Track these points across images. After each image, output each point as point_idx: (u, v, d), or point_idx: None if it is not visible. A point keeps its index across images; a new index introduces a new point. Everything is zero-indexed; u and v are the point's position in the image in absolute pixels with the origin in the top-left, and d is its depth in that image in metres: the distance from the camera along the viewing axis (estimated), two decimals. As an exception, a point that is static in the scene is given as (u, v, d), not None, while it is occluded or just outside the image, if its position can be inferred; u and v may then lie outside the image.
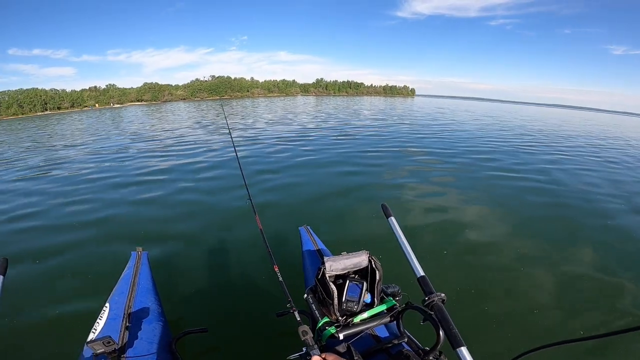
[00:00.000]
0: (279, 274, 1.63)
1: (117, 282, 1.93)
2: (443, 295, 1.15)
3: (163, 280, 2.54)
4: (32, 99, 59.91)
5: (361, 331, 1.33)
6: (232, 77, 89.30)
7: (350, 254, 1.37)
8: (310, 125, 14.19)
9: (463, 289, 2.82)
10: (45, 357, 2.15)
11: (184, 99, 77.71)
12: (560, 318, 2.54)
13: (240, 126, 14.17)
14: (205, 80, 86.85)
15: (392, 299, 1.38)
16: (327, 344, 1.35)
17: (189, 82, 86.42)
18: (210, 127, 14.76)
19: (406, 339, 1.31)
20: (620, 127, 24.52)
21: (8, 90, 59.74)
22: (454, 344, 1.00)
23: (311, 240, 2.27)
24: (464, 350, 0.97)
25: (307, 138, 10.57)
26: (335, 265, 1.35)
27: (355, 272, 1.41)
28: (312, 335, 1.11)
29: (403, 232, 1.42)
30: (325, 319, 1.37)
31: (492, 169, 6.96)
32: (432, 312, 1.13)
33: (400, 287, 1.42)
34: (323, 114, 20.63)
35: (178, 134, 12.82)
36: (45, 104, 61.59)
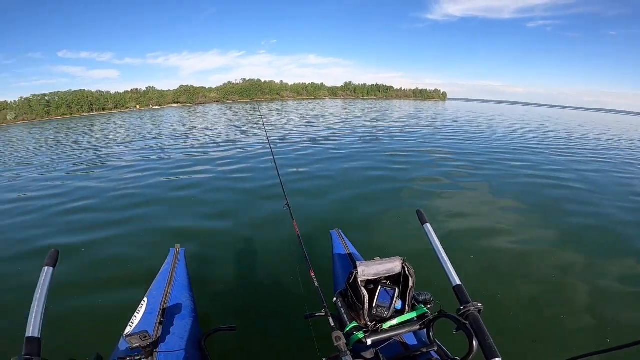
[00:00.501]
0: (314, 278, 1.63)
1: (155, 277, 2.00)
2: (480, 305, 1.12)
3: (197, 276, 2.62)
4: (79, 100, 64.49)
5: (389, 337, 1.31)
6: (262, 80, 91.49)
7: (383, 259, 1.37)
8: (339, 128, 14.21)
9: (491, 296, 2.70)
10: (85, 346, 2.21)
11: (217, 101, 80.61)
12: (597, 332, 2.37)
13: (271, 128, 14.48)
14: (237, 83, 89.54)
15: (423, 306, 1.35)
16: (354, 349, 1.34)
17: (222, 84, 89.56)
18: (242, 128, 15.21)
19: (436, 348, 1.28)
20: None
21: (58, 92, 64.44)
22: (489, 355, 0.97)
23: (342, 244, 2.25)
24: None
25: (336, 141, 10.58)
26: (367, 270, 1.34)
27: (386, 278, 1.40)
28: (345, 342, 1.10)
29: (439, 239, 1.40)
30: (354, 324, 1.36)
31: (528, 175, 6.61)
32: (467, 322, 1.10)
33: (432, 295, 1.39)
34: (351, 117, 20.58)
35: (213, 134, 13.36)
36: (92, 104, 66.18)
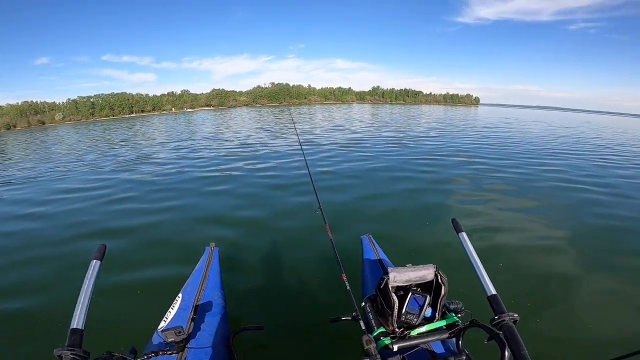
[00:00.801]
0: (346, 282, 1.63)
1: (190, 274, 2.04)
2: (516, 315, 1.09)
3: (229, 275, 2.67)
4: (121, 102, 68.73)
5: (417, 345, 1.30)
6: (291, 85, 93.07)
7: (415, 266, 1.34)
8: (367, 132, 14.15)
9: (521, 307, 2.55)
10: (121, 338, 2.30)
11: (247, 104, 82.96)
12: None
13: (301, 131, 14.69)
14: (266, 87, 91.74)
15: (454, 315, 1.33)
16: (381, 354, 1.31)
17: (251, 88, 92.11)
18: (272, 131, 15.55)
19: (464, 357, 1.24)
20: None
21: (102, 94, 69.28)
22: None
23: (373, 250, 2.22)
24: None
25: (364, 145, 10.52)
26: (399, 277, 1.32)
27: (417, 285, 1.37)
28: (375, 345, 1.09)
29: (474, 248, 1.36)
30: (381, 329, 1.35)
31: (571, 189, 6.20)
32: (501, 332, 1.07)
33: (463, 304, 1.36)
34: (380, 122, 20.41)
35: (245, 135, 13.83)
36: (132, 107, 70.27)
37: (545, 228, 4.24)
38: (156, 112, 70.17)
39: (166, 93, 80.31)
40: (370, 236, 2.42)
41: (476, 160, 8.51)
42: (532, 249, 3.65)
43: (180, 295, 1.78)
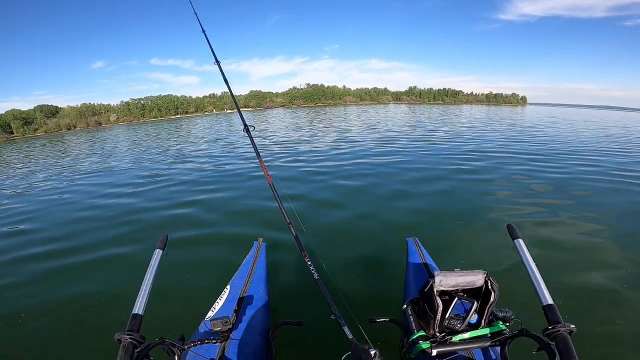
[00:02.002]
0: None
1: (239, 267, 2.12)
2: (572, 326, 1.01)
3: (272, 269, 2.71)
4: (168, 104, 73.74)
5: (456, 351, 1.26)
6: (325, 85, 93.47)
7: (464, 271, 1.30)
8: (412, 134, 13.74)
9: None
10: (172, 324, 2.44)
11: (283, 105, 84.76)
12: None
13: (341, 132, 14.72)
14: (301, 88, 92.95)
15: (502, 323, 1.26)
16: (417, 358, 1.32)
17: (287, 89, 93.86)
18: (315, 134, 15.68)
19: None
20: None
21: (151, 96, 74.77)
22: None
23: (418, 253, 2.17)
24: None
25: (407, 148, 10.18)
26: (445, 281, 1.29)
27: (464, 291, 1.33)
28: None
29: (531, 255, 1.27)
30: (421, 332, 1.33)
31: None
32: (553, 342, 1.01)
33: (514, 313, 1.28)
34: (423, 122, 19.82)
35: (297, 137, 13.94)
36: (177, 108, 75.03)
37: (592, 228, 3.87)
38: (199, 113, 74.10)
39: (208, 95, 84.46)
40: (417, 239, 2.36)
41: (519, 157, 8.02)
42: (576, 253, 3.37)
43: (228, 287, 1.86)
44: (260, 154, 2.38)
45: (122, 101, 70.84)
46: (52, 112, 60.62)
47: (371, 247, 3.62)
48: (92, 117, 62.20)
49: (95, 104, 68.78)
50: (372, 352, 1.07)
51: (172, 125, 31.80)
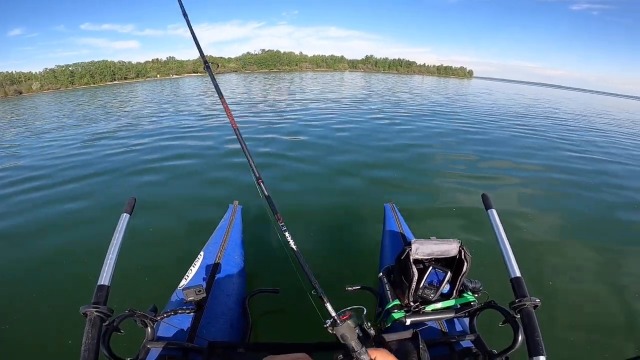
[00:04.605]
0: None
1: (213, 232, 2.01)
2: (537, 300, 1.03)
3: (250, 234, 2.60)
4: (102, 70, 66.21)
5: (429, 321, 1.30)
6: (282, 51, 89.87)
7: (439, 239, 1.31)
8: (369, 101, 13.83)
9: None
10: (142, 295, 2.30)
11: (235, 71, 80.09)
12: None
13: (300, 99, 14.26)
14: (256, 54, 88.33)
15: (471, 294, 1.31)
16: (392, 327, 1.34)
17: (240, 55, 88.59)
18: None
19: (474, 338, 1.23)
20: None
21: (81, 62, 66.52)
22: (533, 351, 0.92)
23: (395, 220, 2.13)
24: None
25: (358, 113, 10.27)
26: (422, 249, 1.30)
27: (437, 260, 1.35)
28: (355, 335, 0.81)
29: (503, 227, 1.27)
30: (396, 302, 1.35)
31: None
32: (518, 316, 1.04)
33: (483, 285, 1.33)
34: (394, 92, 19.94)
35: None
36: (114, 74, 67.64)
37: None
38: (140, 80, 67.46)
39: (150, 60, 77.13)
40: (394, 205, 2.34)
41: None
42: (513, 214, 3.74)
43: (202, 253, 1.76)
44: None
45: (47, 68, 62.05)
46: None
47: (350, 213, 3.66)
48: (10, 86, 53.51)
49: (14, 72, 59.45)
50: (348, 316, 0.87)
51: (109, 91, 28.32)
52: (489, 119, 10.72)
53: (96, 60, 68.57)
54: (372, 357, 0.74)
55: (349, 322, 0.81)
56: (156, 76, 71.44)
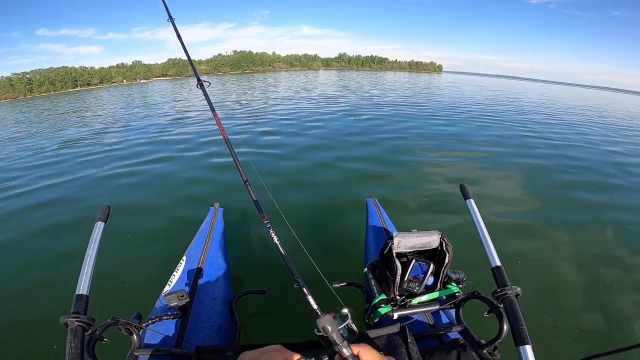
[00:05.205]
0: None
1: (194, 236, 1.98)
2: (519, 289, 1.05)
3: (233, 237, 2.59)
4: (63, 77, 63.03)
5: (416, 314, 1.30)
6: (254, 52, 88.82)
7: (421, 232, 1.30)
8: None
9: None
10: (126, 302, 2.28)
11: (207, 73, 78.32)
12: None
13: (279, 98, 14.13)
14: (228, 55, 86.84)
15: (455, 285, 1.32)
16: (380, 322, 1.33)
17: (212, 57, 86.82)
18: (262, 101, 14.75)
19: (461, 329, 1.24)
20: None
21: (39, 69, 63.06)
22: (519, 340, 0.93)
23: (378, 214, 2.14)
24: (527, 349, 0.90)
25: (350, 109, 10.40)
26: (404, 242, 1.28)
27: (420, 252, 1.35)
28: (337, 328, 0.78)
29: (482, 217, 1.28)
30: (383, 296, 1.34)
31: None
32: (501, 305, 1.05)
33: (466, 275, 1.34)
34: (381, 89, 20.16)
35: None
36: (76, 80, 64.69)
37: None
38: (105, 85, 64.67)
39: (115, 65, 74.24)
40: (376, 199, 2.34)
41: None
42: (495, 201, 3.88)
43: (184, 258, 1.73)
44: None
45: (2, 77, 58.40)
46: None
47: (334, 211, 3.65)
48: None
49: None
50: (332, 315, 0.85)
51: (71, 98, 26.77)
52: (455, 111, 11.24)
53: (55, 67, 65.62)
54: (355, 352, 0.74)
55: (329, 315, 0.80)
56: (122, 81, 68.97)
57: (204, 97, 1.66)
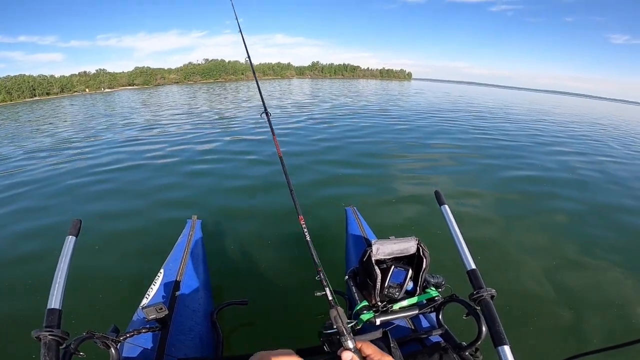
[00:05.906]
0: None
1: (172, 249, 1.96)
2: (493, 291, 1.08)
3: (211, 249, 2.57)
4: (20, 85, 59.16)
5: (398, 319, 1.31)
6: (227, 61, 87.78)
7: (398, 238, 1.33)
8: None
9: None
10: (103, 316, 2.22)
11: (177, 82, 76.27)
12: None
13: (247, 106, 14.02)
14: (199, 64, 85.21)
15: (434, 289, 1.34)
16: (363, 328, 1.33)
17: (182, 65, 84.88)
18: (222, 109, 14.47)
19: (442, 332, 1.27)
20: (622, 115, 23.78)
21: (-7, 78, 58.68)
22: (497, 341, 0.95)
23: (357, 222, 2.17)
24: (506, 349, 0.92)
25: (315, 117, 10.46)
26: (382, 249, 1.31)
27: (399, 258, 1.37)
28: (346, 320, 0.87)
29: (456, 221, 1.33)
30: (364, 303, 1.34)
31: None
32: (478, 307, 1.08)
33: (444, 279, 1.37)
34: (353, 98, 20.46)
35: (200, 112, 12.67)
36: (34, 89, 60.79)
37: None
38: (66, 94, 61.22)
39: (77, 73, 70.49)
40: (355, 208, 2.37)
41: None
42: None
43: (162, 271, 1.70)
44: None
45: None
46: None
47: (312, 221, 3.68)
48: None
49: None
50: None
51: (29, 108, 25.03)
52: (421, 116, 12.01)
53: (12, 75, 61.64)
54: (358, 346, 0.78)
55: (340, 308, 0.86)
56: (85, 90, 65.47)
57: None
